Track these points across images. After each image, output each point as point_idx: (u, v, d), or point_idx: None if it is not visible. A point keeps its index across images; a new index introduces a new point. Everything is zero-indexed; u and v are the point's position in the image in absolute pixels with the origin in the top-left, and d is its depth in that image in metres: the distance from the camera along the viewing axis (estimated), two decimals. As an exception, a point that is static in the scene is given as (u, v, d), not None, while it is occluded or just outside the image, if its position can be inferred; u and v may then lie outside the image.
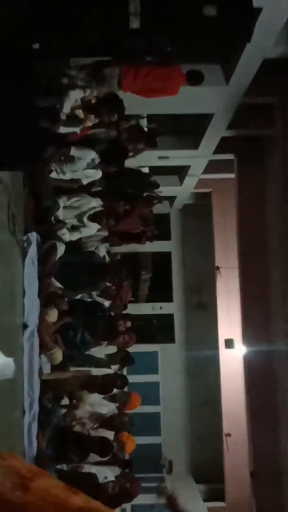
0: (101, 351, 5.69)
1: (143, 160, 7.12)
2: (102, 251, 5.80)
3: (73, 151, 4.75)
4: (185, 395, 11.69)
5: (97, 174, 5.09)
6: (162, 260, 11.83)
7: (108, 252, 6.56)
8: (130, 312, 6.50)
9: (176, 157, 8.55)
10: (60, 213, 4.98)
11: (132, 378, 7.13)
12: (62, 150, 4.68)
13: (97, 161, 4.96)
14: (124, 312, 6.30)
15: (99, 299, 5.46)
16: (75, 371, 4.87)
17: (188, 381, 11.69)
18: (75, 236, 5.18)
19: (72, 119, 4.48)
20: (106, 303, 5.67)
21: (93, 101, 4.49)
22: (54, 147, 4.63)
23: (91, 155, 4.90)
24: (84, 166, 4.91)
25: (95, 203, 5.21)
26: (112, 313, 5.86)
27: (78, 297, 5.20)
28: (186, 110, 7.00)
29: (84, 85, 4.41)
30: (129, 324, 5.86)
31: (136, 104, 5.94)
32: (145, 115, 7.07)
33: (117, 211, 5.45)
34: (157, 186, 6.67)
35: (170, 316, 11.92)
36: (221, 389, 10.57)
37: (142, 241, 6.73)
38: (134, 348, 6.13)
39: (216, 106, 6.76)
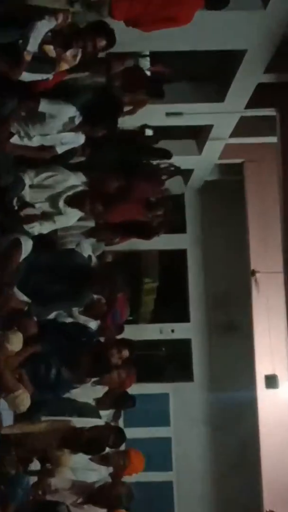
0: (86, 393, 5.72)
1: (145, 118, 7.12)
2: (86, 249, 5.84)
3: (43, 106, 4.77)
4: (208, 456, 11.69)
5: (78, 139, 5.13)
6: (174, 262, 11.85)
7: (96, 251, 6.58)
8: (128, 336, 6.52)
9: (192, 113, 8.56)
10: (26, 195, 5.00)
11: (131, 432, 7.16)
12: (27, 104, 4.69)
13: (77, 120, 5.00)
14: (119, 336, 6.34)
15: (82, 319, 5.49)
16: (49, 421, 4.90)
17: (212, 435, 11.68)
18: (47, 228, 5.22)
19: (41, 61, 4.50)
20: (93, 324, 5.71)
21: (68, 31, 4.52)
22: (15, 100, 4.64)
23: (69, 111, 4.93)
24: (59, 128, 4.95)
25: (75, 180, 5.25)
26: (102, 339, 5.90)
27: (52, 315, 5.23)
28: (206, 46, 7.02)
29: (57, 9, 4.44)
30: (126, 353, 5.89)
31: (135, 38, 5.98)
32: (148, 54, 7.09)
33: (107, 191, 5.48)
34: (168, 154, 6.71)
35: (186, 343, 11.92)
36: (260, 447, 10.57)
37: (147, 235, 6.77)
38: (135, 389, 6.17)
39: (249, 39, 6.78)
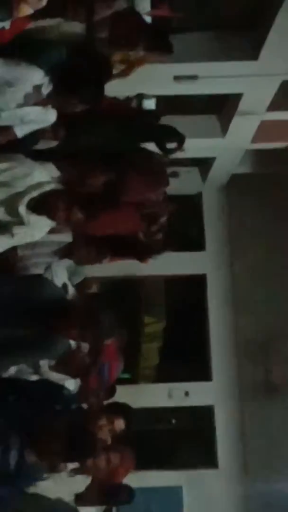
0: (61, 486, 5.71)
1: (145, 83, 7.14)
2: (59, 275, 5.87)
3: None
4: None
5: (47, 116, 5.21)
6: (188, 293, 11.88)
7: (74, 278, 6.60)
8: (122, 401, 6.53)
9: (212, 76, 8.60)
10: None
11: None
12: None
13: (46, 89, 5.07)
14: (108, 401, 6.38)
15: (54, 376, 5.47)
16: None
17: None
18: (2, 245, 5.24)
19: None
20: (70, 384, 5.67)
21: None
22: None
23: (34, 76, 4.99)
24: (20, 100, 5.01)
25: (43, 175, 5.28)
26: (84, 405, 5.90)
27: (12, 371, 5.18)
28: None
29: None
30: (120, 425, 5.92)
31: None
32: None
33: (89, 191, 5.49)
34: (179, 136, 6.74)
35: (207, 412, 11.93)
36: None
37: (144, 254, 6.80)
38: (134, 481, 6.21)
39: None
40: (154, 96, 7.48)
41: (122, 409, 6.10)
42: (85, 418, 5.52)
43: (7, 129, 5.05)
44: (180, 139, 6.83)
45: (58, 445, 4.85)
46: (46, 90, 5.04)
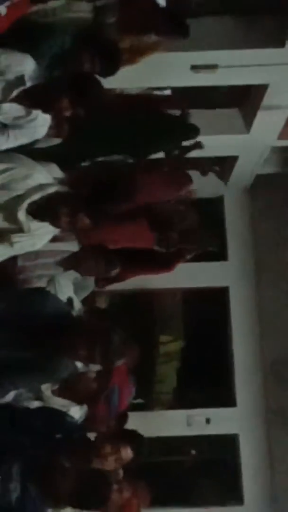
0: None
1: (160, 73, 7.16)
2: (64, 288, 5.90)
3: None
4: None
5: (35, 122, 5.23)
6: (209, 309, 11.88)
7: (81, 292, 6.61)
8: (135, 428, 6.54)
9: (236, 65, 8.62)
10: None
11: None
12: None
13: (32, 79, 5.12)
14: (118, 428, 6.41)
15: (57, 402, 5.48)
16: None
17: None
18: (1, 254, 5.29)
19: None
20: (76, 411, 5.67)
21: None
22: None
23: (27, 64, 5.00)
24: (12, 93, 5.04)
25: (45, 176, 5.31)
26: (90, 434, 5.93)
27: (10, 397, 5.21)
28: None
29: None
30: (127, 454, 5.88)
31: None
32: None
33: (96, 194, 5.52)
34: (195, 130, 6.76)
35: (231, 441, 11.92)
36: None
37: (159, 266, 6.80)
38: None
39: None
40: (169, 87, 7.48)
41: (130, 436, 6.11)
42: (87, 447, 5.50)
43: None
44: (197, 132, 6.86)
45: (65, 487, 4.87)
46: (30, 80, 5.05)
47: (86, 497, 4.98)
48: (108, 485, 5.28)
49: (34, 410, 5.41)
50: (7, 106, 4.93)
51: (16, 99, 4.96)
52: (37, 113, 5.01)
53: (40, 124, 5.05)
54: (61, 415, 5.33)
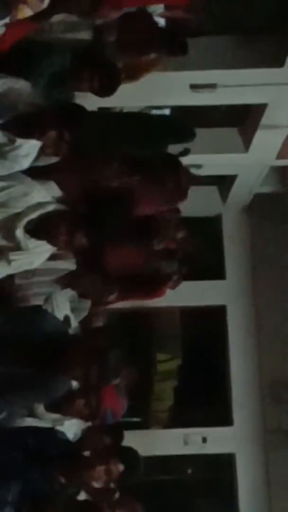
0: None
1: (159, 92, 7.17)
2: (61, 305, 5.88)
3: None
4: None
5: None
6: (206, 327, 11.88)
7: (78, 312, 6.62)
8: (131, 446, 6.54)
9: (235, 85, 8.64)
10: None
11: None
12: None
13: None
14: (114, 445, 6.37)
15: (50, 417, 5.47)
16: None
17: None
18: (-1, 272, 5.25)
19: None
20: (70, 425, 5.66)
21: None
22: None
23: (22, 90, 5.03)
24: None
25: (43, 194, 5.31)
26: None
27: (2, 416, 5.22)
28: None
29: None
30: (117, 468, 5.86)
31: None
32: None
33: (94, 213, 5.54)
34: (192, 133, 6.78)
35: (228, 461, 11.91)
36: None
37: (152, 289, 6.82)
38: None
39: None
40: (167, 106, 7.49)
41: (123, 452, 6.10)
42: (80, 463, 5.48)
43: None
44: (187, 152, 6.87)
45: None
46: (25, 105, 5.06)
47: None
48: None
49: (25, 428, 5.39)
50: None
51: (2, 126, 4.96)
52: (22, 142, 4.98)
53: (23, 154, 4.99)
54: (52, 433, 5.31)
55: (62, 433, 5.56)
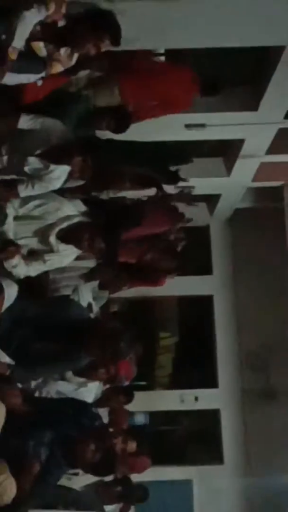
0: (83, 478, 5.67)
1: (159, 130, 7.12)
2: (85, 295, 5.86)
3: (25, 121, 4.84)
4: None
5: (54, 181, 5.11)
6: (197, 312, 11.84)
7: (98, 300, 6.59)
8: (141, 406, 6.52)
9: (219, 124, 8.60)
10: (10, 229, 5.01)
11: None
12: (6, 119, 4.75)
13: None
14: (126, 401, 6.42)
15: (77, 380, 5.43)
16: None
17: (248, 534, 11.55)
18: (35, 269, 5.23)
19: (29, 60, 4.54)
20: (92, 387, 5.63)
21: (61, 23, 4.56)
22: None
23: (57, 127, 4.98)
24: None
25: (71, 209, 5.27)
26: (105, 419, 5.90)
27: (39, 380, 5.21)
28: (235, 42, 7.04)
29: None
30: (132, 447, 5.96)
31: (147, 31, 6.02)
32: (163, 51, 7.15)
33: (110, 223, 5.51)
34: (176, 178, 6.73)
35: (214, 415, 11.85)
36: None
37: (159, 280, 6.76)
38: (149, 475, 6.10)
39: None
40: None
41: (137, 435, 6.14)
42: (106, 434, 5.44)
43: (12, 186, 4.96)
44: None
45: (86, 463, 4.84)
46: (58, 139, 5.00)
47: (98, 468, 4.95)
48: (115, 461, 5.25)
49: (67, 399, 5.34)
50: (32, 159, 4.89)
51: (40, 154, 4.92)
52: (55, 168, 4.92)
53: (55, 177, 4.93)
54: (88, 406, 5.28)
55: (95, 408, 5.51)
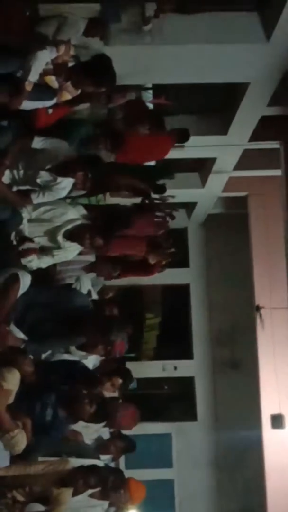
0: (86, 433, 5.65)
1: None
2: (86, 284, 5.81)
3: (37, 142, 4.82)
4: (212, 499, 11.52)
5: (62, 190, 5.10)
6: (177, 297, 11.83)
7: (96, 287, 6.54)
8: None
9: (195, 145, 8.59)
10: (25, 229, 5.00)
11: (132, 474, 7.01)
12: (22, 140, 4.74)
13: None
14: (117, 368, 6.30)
15: (80, 354, 5.42)
16: (46, 462, 4.83)
17: (217, 477, 11.56)
18: (46, 262, 5.21)
19: (42, 90, 4.55)
20: (92, 359, 5.61)
21: (69, 63, 4.57)
22: (12, 133, 4.68)
23: (63, 147, 4.97)
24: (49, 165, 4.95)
25: (75, 213, 5.26)
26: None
27: (48, 352, 5.20)
28: (209, 79, 7.08)
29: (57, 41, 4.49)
30: (118, 382, 5.86)
31: (138, 70, 6.04)
32: (150, 86, 7.15)
33: (106, 225, 5.49)
34: (162, 190, 6.73)
35: (189, 381, 11.86)
36: (267, 489, 10.41)
37: (150, 271, 6.76)
38: (136, 430, 6.08)
39: (252, 72, 6.85)
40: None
41: (121, 371, 6.06)
42: (95, 380, 5.39)
43: (26, 195, 4.94)
44: (164, 190, 6.79)
45: (84, 413, 4.82)
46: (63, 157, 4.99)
47: (97, 416, 4.93)
48: (110, 408, 5.22)
49: (59, 361, 5.32)
50: (43, 173, 4.89)
51: (49, 169, 4.91)
52: (62, 180, 4.89)
53: (62, 187, 4.91)
54: (77, 363, 5.24)
55: (82, 363, 5.48)
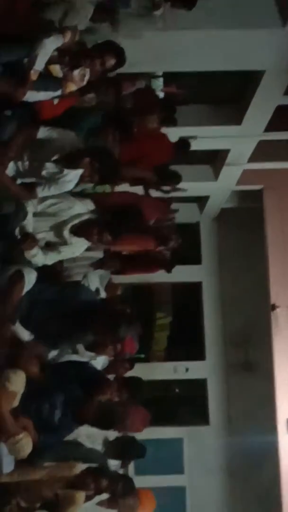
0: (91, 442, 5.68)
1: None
2: (93, 281, 5.84)
3: (43, 132, 4.81)
4: (226, 507, 11.53)
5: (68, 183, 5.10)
6: (188, 296, 11.83)
7: (103, 281, 6.55)
8: (140, 376, 6.47)
9: (208, 137, 8.60)
10: (29, 224, 5.01)
11: (142, 481, 7.09)
12: (27, 130, 4.74)
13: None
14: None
15: (88, 354, 5.44)
16: (52, 467, 4.85)
17: (229, 484, 11.55)
18: (52, 259, 5.21)
19: (47, 80, 4.55)
20: (100, 359, 5.63)
21: (74, 49, 4.57)
22: (17, 123, 4.69)
23: (70, 137, 4.97)
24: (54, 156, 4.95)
25: (82, 208, 5.25)
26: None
27: (56, 352, 5.20)
28: (223, 67, 7.06)
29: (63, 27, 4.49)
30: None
31: (147, 57, 6.03)
32: (161, 74, 7.14)
33: (114, 220, 5.49)
34: (177, 178, 6.74)
35: (202, 383, 11.85)
36: (282, 496, 10.41)
37: (156, 267, 6.77)
38: (146, 434, 6.09)
39: (267, 59, 6.81)
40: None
41: (131, 382, 6.04)
42: (102, 383, 5.40)
43: (31, 188, 4.92)
44: (179, 179, 6.83)
45: (91, 418, 4.84)
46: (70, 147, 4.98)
47: (102, 422, 4.94)
48: (118, 409, 5.22)
49: (69, 362, 5.33)
50: (49, 164, 4.87)
51: (55, 160, 4.90)
52: (68, 172, 4.87)
53: (68, 180, 4.89)
54: (86, 364, 5.25)
55: (91, 363, 5.50)
